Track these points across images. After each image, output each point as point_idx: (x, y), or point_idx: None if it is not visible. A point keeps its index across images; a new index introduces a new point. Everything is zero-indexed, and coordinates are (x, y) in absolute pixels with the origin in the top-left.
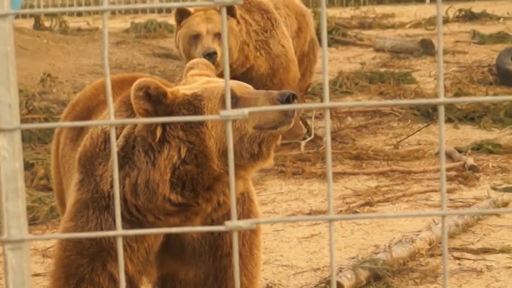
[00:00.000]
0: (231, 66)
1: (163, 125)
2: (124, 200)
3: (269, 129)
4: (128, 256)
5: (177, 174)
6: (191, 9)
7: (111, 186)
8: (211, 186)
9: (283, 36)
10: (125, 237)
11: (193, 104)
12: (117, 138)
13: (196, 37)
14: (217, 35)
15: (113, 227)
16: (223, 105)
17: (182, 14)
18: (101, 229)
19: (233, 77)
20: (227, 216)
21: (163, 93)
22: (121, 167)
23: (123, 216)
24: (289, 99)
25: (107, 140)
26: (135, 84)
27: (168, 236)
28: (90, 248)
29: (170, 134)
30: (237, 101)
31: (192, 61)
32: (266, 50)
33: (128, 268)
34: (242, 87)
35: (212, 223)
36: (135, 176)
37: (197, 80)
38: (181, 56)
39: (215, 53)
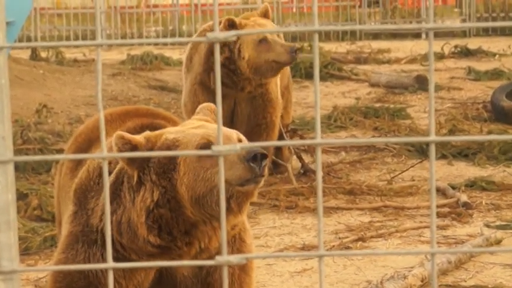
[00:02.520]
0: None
1: (140, 170)
2: (111, 236)
3: (236, 185)
4: None
5: (151, 216)
6: (238, 21)
7: (100, 220)
8: (189, 231)
9: None
10: (113, 274)
11: (170, 149)
12: (111, 173)
13: (263, 41)
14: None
15: (100, 261)
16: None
17: (232, 26)
18: (89, 263)
19: (249, 95)
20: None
21: (133, 146)
22: (110, 203)
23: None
24: (256, 157)
25: (101, 173)
26: (112, 140)
27: (160, 274)
28: (79, 281)
29: (145, 177)
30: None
31: (200, 106)
32: (261, 85)
33: None
34: (224, 137)
35: (203, 269)
36: (121, 213)
37: (194, 123)
38: (227, 75)
39: (299, 48)
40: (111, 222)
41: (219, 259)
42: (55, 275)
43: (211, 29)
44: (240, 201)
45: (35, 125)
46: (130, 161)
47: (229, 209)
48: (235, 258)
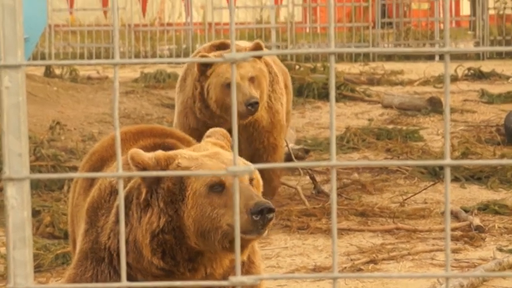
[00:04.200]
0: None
1: (151, 188)
2: (117, 254)
3: (239, 232)
4: None
5: (156, 240)
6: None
7: (108, 238)
8: (193, 259)
9: (281, 93)
10: None
11: (181, 179)
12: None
13: (228, 86)
14: (251, 79)
15: (108, 279)
16: (209, 190)
17: (206, 64)
18: (97, 280)
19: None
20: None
21: (144, 167)
22: (117, 221)
23: (115, 271)
24: (262, 212)
25: (112, 192)
26: (124, 157)
27: None
28: None
29: (153, 201)
30: (223, 189)
31: (211, 130)
32: (269, 104)
33: None
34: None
35: None
36: (128, 232)
37: (208, 148)
38: (205, 109)
39: (257, 103)
40: (118, 241)
41: (233, 280)
42: None
43: (205, 51)
44: (242, 245)
45: (48, 142)
46: (142, 179)
47: (230, 250)
48: (248, 279)
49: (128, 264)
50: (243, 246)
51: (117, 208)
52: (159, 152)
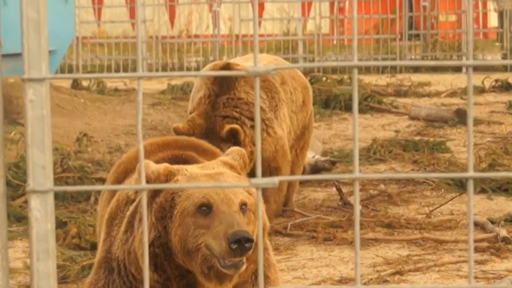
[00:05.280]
0: None
1: (148, 202)
2: (124, 265)
3: (217, 259)
4: None
5: (148, 253)
6: (189, 131)
7: (117, 248)
8: (185, 275)
9: (284, 118)
10: None
11: (173, 197)
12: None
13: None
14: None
15: None
16: (196, 209)
17: (179, 135)
18: None
19: None
20: None
21: (148, 179)
22: (125, 231)
23: (124, 282)
24: (240, 242)
25: (128, 202)
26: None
27: None
28: None
29: (148, 214)
30: (209, 212)
31: (230, 149)
32: (269, 132)
33: None
34: (224, 202)
35: None
36: (131, 243)
37: (215, 167)
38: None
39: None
40: (124, 251)
41: None
42: None
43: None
44: (221, 277)
45: (75, 154)
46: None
47: (208, 278)
48: None
49: (132, 274)
50: (222, 278)
51: (127, 218)
52: (164, 166)
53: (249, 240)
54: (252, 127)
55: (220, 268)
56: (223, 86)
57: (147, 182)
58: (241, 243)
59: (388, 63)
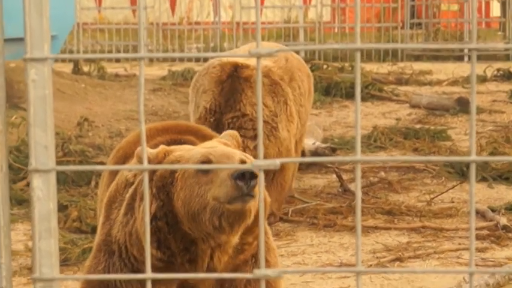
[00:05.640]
0: None
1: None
2: (125, 247)
3: (225, 202)
4: None
5: (150, 229)
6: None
7: (118, 231)
8: (188, 248)
9: (291, 118)
10: (131, 285)
11: (171, 164)
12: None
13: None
14: None
15: (118, 271)
16: (197, 170)
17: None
18: (109, 272)
19: None
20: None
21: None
22: (126, 214)
23: (125, 264)
24: (244, 177)
25: (127, 186)
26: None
27: (181, 287)
28: None
29: (148, 190)
30: (209, 171)
31: (224, 132)
32: (275, 135)
33: None
34: (223, 156)
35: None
36: (131, 225)
37: (213, 145)
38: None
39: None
40: (125, 234)
41: (257, 273)
42: (82, 281)
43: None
44: (232, 221)
45: (76, 138)
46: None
47: (221, 229)
48: (273, 272)
49: (134, 256)
50: (233, 222)
51: (127, 200)
52: (161, 147)
53: (254, 175)
54: (255, 148)
55: (228, 207)
56: (230, 100)
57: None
58: (245, 178)
59: (391, 46)
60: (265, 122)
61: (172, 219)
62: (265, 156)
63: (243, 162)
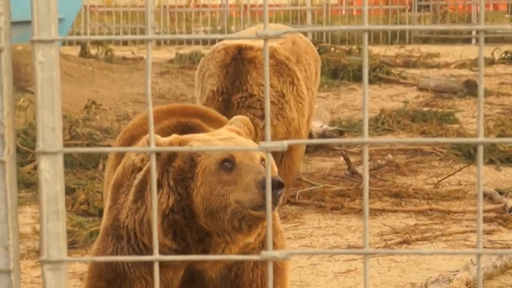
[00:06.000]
0: None
1: (160, 172)
2: (135, 233)
3: (248, 208)
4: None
5: (166, 221)
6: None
7: (127, 216)
8: (203, 240)
9: (299, 98)
10: (139, 270)
11: (191, 157)
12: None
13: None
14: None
15: (127, 256)
16: (219, 166)
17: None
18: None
19: None
20: (241, 264)
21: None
22: (135, 201)
23: (134, 250)
24: (272, 186)
25: (134, 170)
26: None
27: (190, 274)
28: (107, 273)
29: (164, 181)
30: (233, 167)
31: (234, 118)
32: (282, 115)
33: None
34: (246, 156)
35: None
36: (142, 213)
37: (223, 133)
38: None
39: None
40: (135, 220)
41: (264, 254)
42: (90, 265)
43: (219, 51)
44: (251, 224)
45: (83, 121)
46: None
47: (239, 230)
48: (280, 254)
49: (144, 244)
50: (253, 225)
51: (136, 187)
52: (174, 136)
53: (281, 184)
54: (264, 128)
55: (252, 213)
56: (236, 82)
57: (159, 152)
58: (273, 188)
59: (398, 27)
60: (272, 102)
61: (189, 213)
62: (274, 137)
63: (262, 160)
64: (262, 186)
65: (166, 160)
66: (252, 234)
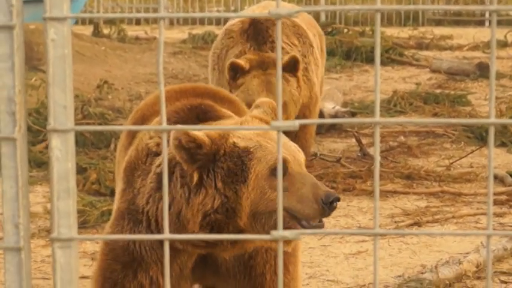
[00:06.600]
0: None
1: (201, 171)
2: (156, 220)
3: (300, 219)
4: (159, 271)
5: (207, 219)
6: (246, 65)
7: (147, 203)
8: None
9: (316, 63)
10: (156, 253)
11: (242, 160)
12: (158, 154)
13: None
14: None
15: (147, 242)
16: (271, 172)
17: (236, 70)
18: (134, 241)
19: None
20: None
21: (198, 145)
22: (158, 189)
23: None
24: (332, 203)
25: (149, 154)
26: (173, 132)
27: (203, 256)
28: (123, 256)
29: (208, 182)
30: (285, 174)
31: (261, 100)
32: (307, 76)
33: (160, 282)
34: (296, 162)
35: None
36: (169, 202)
37: (256, 124)
38: None
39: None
40: (158, 208)
41: (275, 234)
42: (103, 248)
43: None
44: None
45: (96, 101)
46: (191, 160)
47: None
48: (290, 234)
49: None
50: (288, 241)
51: (158, 175)
52: (210, 133)
53: (339, 199)
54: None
55: (304, 224)
56: (259, 40)
57: (199, 146)
58: (333, 206)
59: (412, 7)
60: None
61: (232, 214)
62: (298, 101)
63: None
64: (323, 202)
65: (210, 158)
66: (289, 243)
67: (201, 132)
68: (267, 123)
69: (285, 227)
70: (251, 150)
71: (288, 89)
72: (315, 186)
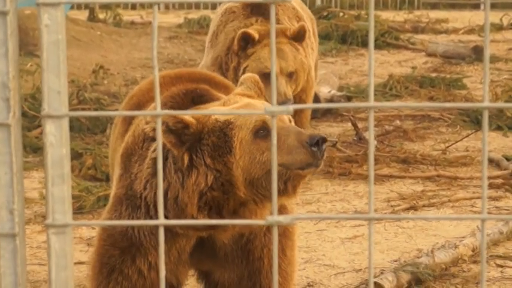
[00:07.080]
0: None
1: (190, 151)
2: (155, 206)
3: (296, 169)
4: (158, 256)
5: (204, 199)
6: (256, 35)
7: (145, 188)
8: (237, 211)
9: (312, 46)
10: (155, 238)
11: (224, 132)
12: (154, 140)
13: (267, 76)
14: (290, 75)
15: (143, 227)
16: (254, 136)
17: (247, 41)
18: (132, 226)
19: None
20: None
21: (185, 125)
22: (154, 174)
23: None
24: (318, 143)
25: (145, 139)
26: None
27: (201, 240)
28: (121, 242)
29: (198, 161)
30: (268, 133)
31: (244, 76)
32: (305, 58)
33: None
34: (279, 120)
35: (243, 237)
36: (165, 188)
37: (238, 100)
38: (235, 82)
39: (292, 103)
40: (155, 194)
41: (269, 219)
42: (100, 233)
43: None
44: (296, 184)
45: (91, 86)
46: (180, 142)
47: (285, 191)
48: (285, 219)
49: (166, 217)
50: (297, 185)
51: (153, 160)
52: (194, 111)
53: (325, 139)
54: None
55: (301, 172)
56: (265, 14)
57: (187, 127)
58: (319, 144)
59: None
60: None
61: (228, 187)
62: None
63: (290, 121)
64: (310, 144)
65: (197, 138)
66: (296, 193)
67: (190, 118)
68: (250, 97)
69: (284, 180)
70: (231, 120)
71: (299, 57)
72: (298, 133)
